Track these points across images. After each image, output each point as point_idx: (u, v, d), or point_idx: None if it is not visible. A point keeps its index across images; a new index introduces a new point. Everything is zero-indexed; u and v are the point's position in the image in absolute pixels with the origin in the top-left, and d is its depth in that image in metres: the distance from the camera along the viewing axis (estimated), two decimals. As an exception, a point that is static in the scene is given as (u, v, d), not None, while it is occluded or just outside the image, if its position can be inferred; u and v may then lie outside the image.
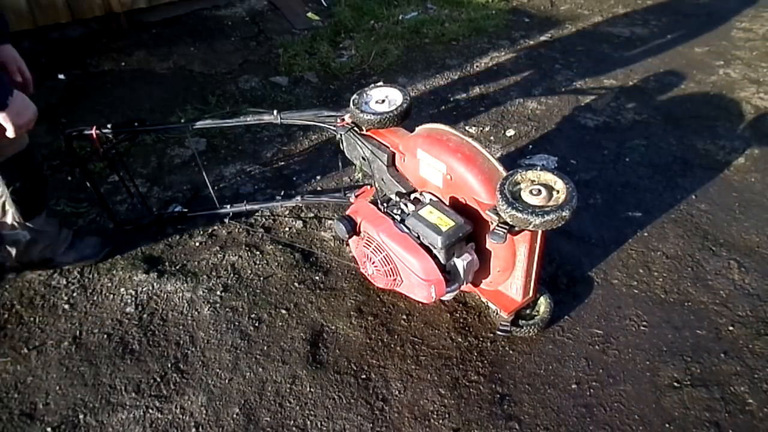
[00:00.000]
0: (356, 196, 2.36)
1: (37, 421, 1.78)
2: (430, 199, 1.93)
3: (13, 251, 2.18)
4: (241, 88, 3.52)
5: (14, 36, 3.54)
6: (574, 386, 1.94)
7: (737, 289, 2.30)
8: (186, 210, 2.53)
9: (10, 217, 2.07)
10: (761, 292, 2.28)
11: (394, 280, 1.86)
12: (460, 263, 1.84)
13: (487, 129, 3.26)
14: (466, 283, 1.92)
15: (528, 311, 2.10)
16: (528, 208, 1.63)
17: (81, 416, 1.79)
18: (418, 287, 1.81)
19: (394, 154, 2.07)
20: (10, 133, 1.74)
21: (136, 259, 2.35)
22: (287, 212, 2.62)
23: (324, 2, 4.60)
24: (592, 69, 3.89)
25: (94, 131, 2.19)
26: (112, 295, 2.19)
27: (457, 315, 2.16)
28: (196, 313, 2.14)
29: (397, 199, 1.96)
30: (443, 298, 1.94)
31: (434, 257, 1.79)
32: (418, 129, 2.04)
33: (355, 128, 2.16)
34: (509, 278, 1.96)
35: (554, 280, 2.31)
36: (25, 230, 2.14)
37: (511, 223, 1.67)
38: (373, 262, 1.87)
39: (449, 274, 1.86)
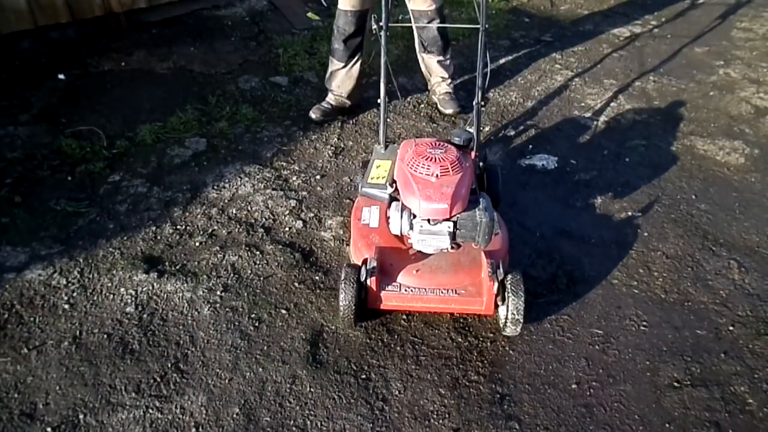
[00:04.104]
0: None
1: (37, 421, 1.78)
2: None
3: None
4: (241, 88, 3.52)
5: (14, 36, 3.57)
6: (574, 386, 1.94)
7: (737, 289, 2.30)
8: None
9: None
10: (761, 292, 2.29)
11: None
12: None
13: (487, 129, 3.26)
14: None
15: None
16: None
17: (81, 416, 1.79)
18: None
19: None
20: None
21: (136, 259, 2.35)
22: (287, 212, 2.62)
23: (324, 2, 4.60)
24: (592, 69, 3.90)
25: None
26: (112, 295, 2.19)
27: (457, 315, 2.16)
28: (196, 313, 2.14)
29: None
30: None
31: None
32: None
33: None
34: None
35: (554, 280, 2.31)
36: None
37: None
38: None
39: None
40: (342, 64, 3.20)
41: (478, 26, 2.43)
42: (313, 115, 3.24)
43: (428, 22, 3.12)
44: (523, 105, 3.49)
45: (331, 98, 3.28)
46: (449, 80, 3.37)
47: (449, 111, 3.33)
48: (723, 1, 5.01)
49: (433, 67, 3.33)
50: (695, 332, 2.13)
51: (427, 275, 2.03)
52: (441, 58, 3.28)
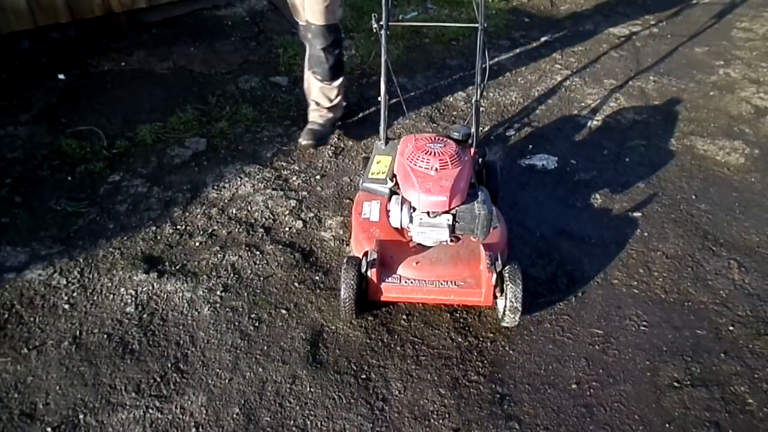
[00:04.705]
0: None
1: (37, 421, 1.78)
2: None
3: None
4: (241, 88, 3.51)
5: (14, 36, 3.57)
6: (574, 386, 1.94)
7: (737, 289, 2.30)
8: None
9: None
10: (761, 292, 2.29)
11: None
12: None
13: (487, 129, 3.26)
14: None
15: None
16: None
17: (81, 416, 1.79)
18: None
19: None
20: None
21: (136, 259, 2.35)
22: (287, 212, 2.62)
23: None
24: (592, 69, 3.89)
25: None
26: (112, 295, 2.19)
27: (457, 315, 2.16)
28: (196, 313, 2.14)
29: None
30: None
31: None
32: None
33: None
34: None
35: (554, 280, 2.31)
36: None
37: None
38: None
39: None
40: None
41: (477, 26, 2.44)
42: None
43: (311, 38, 2.71)
44: (523, 105, 3.48)
45: None
46: (324, 110, 2.92)
47: (303, 142, 2.92)
48: (723, 1, 5.01)
49: (312, 90, 2.92)
50: (695, 332, 2.13)
51: (427, 267, 2.05)
52: (323, 84, 2.86)
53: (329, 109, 2.91)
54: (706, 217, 2.65)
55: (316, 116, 2.93)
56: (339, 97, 2.94)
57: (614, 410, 1.87)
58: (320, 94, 2.88)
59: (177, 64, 3.73)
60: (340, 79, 2.88)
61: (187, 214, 2.60)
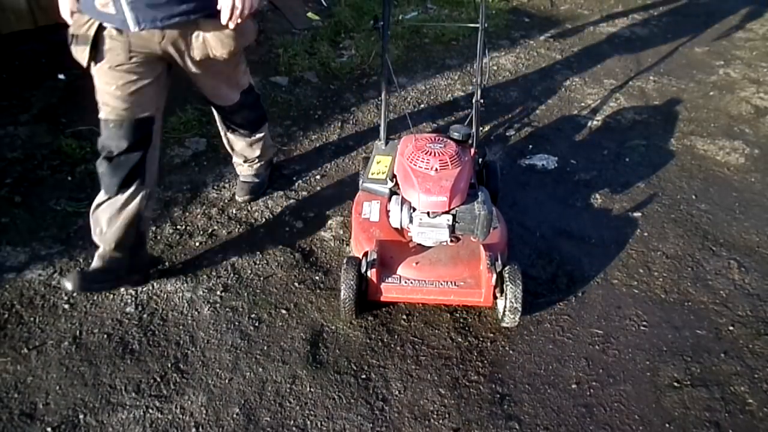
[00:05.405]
0: None
1: (37, 421, 1.78)
2: None
3: None
4: (241, 88, 3.51)
5: (14, 36, 3.57)
6: (574, 386, 1.94)
7: (737, 289, 2.30)
8: None
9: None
10: (761, 292, 2.29)
11: None
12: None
13: (487, 129, 3.26)
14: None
15: None
16: None
17: (81, 416, 1.79)
18: None
19: None
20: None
21: (136, 259, 2.35)
22: (287, 212, 2.62)
23: (324, 2, 4.59)
24: (592, 69, 3.89)
25: None
26: (112, 295, 2.19)
27: (457, 315, 2.16)
28: (196, 313, 2.14)
29: None
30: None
31: None
32: None
33: None
34: None
35: (554, 280, 2.31)
36: None
37: None
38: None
39: None
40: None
41: (477, 26, 2.44)
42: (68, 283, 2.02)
43: (230, 114, 2.44)
44: (523, 104, 3.48)
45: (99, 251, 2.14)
46: (252, 159, 2.63)
47: (240, 199, 2.67)
48: (723, 0, 5.01)
49: (237, 146, 2.58)
50: (695, 332, 2.13)
51: (427, 267, 2.05)
52: (250, 138, 2.54)
53: (259, 157, 2.63)
54: (706, 217, 2.65)
55: (246, 168, 2.67)
56: (266, 140, 2.61)
57: (614, 410, 1.87)
58: (247, 148, 2.58)
59: (177, 64, 3.72)
60: (265, 124, 2.58)
61: (187, 214, 2.60)
